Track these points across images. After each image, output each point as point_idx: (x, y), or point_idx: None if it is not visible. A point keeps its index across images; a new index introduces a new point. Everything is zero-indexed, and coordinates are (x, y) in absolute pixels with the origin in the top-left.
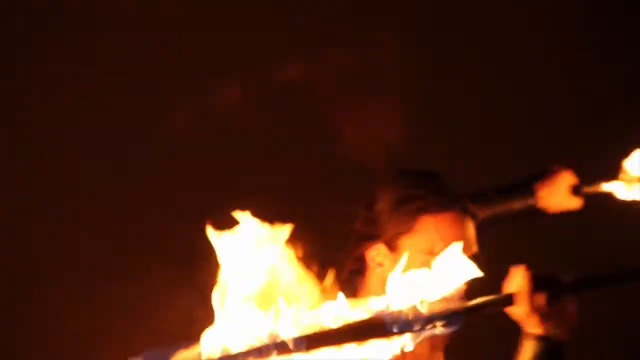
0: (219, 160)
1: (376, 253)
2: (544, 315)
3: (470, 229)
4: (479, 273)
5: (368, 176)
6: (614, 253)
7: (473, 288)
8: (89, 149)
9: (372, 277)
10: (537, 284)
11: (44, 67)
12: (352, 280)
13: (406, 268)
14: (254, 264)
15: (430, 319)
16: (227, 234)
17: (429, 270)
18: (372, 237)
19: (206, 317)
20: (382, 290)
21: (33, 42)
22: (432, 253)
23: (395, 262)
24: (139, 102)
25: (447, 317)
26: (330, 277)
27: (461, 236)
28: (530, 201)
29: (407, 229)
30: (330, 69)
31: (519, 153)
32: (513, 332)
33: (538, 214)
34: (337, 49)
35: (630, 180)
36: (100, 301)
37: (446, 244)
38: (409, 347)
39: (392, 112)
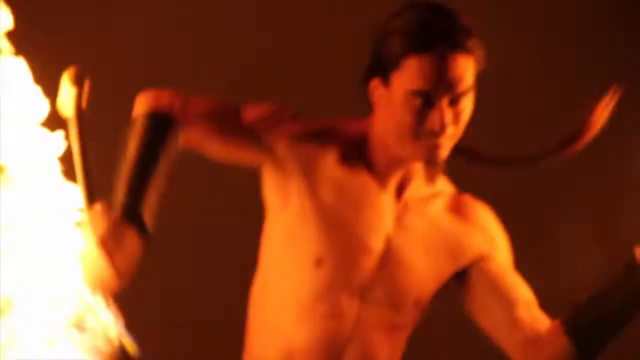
0: None
1: (374, 86)
2: None
3: (463, 66)
4: None
5: None
6: None
7: None
8: None
9: (376, 110)
10: None
11: None
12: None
13: (396, 105)
14: None
15: None
16: None
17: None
18: (370, 69)
19: None
20: (385, 125)
21: None
22: (419, 93)
23: (387, 97)
24: None
25: None
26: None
27: (450, 75)
28: None
29: (395, 65)
30: None
31: None
32: None
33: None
34: None
35: None
36: None
37: (433, 84)
38: None
39: None
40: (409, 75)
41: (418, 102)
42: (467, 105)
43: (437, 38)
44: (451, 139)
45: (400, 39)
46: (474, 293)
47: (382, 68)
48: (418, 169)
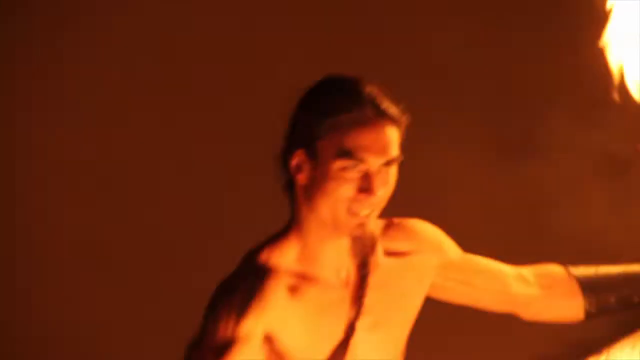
0: None
1: (297, 160)
2: None
3: (388, 134)
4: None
5: None
6: None
7: None
8: None
9: (298, 185)
10: None
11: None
12: (288, 195)
13: (324, 173)
14: None
15: None
16: None
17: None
18: (291, 143)
19: None
20: (308, 200)
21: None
22: (348, 160)
23: (313, 169)
24: None
25: None
26: None
27: (377, 142)
28: None
29: (322, 135)
30: None
31: None
32: None
33: None
34: None
35: None
36: None
37: (361, 150)
38: None
39: None
40: (338, 141)
41: (346, 170)
42: (392, 174)
43: (363, 107)
44: (377, 208)
45: (326, 107)
46: (453, 289)
47: (306, 139)
48: (349, 244)
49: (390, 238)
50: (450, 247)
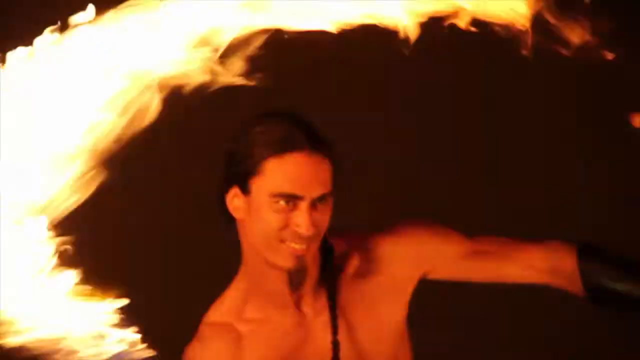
0: None
1: (232, 196)
2: None
3: (322, 169)
4: None
5: None
6: None
7: None
8: None
9: (238, 223)
10: None
11: None
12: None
13: (258, 210)
14: None
15: None
16: None
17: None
18: (227, 180)
19: None
20: (251, 235)
21: None
22: (281, 196)
23: (248, 204)
24: None
25: None
26: None
27: (310, 177)
28: None
29: (254, 171)
30: None
31: None
32: None
33: None
34: None
35: None
36: None
37: (294, 186)
38: None
39: None
40: (269, 178)
41: (279, 204)
42: (327, 209)
43: (294, 141)
44: (313, 243)
45: (257, 144)
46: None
47: (240, 176)
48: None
49: (361, 256)
50: (429, 254)
